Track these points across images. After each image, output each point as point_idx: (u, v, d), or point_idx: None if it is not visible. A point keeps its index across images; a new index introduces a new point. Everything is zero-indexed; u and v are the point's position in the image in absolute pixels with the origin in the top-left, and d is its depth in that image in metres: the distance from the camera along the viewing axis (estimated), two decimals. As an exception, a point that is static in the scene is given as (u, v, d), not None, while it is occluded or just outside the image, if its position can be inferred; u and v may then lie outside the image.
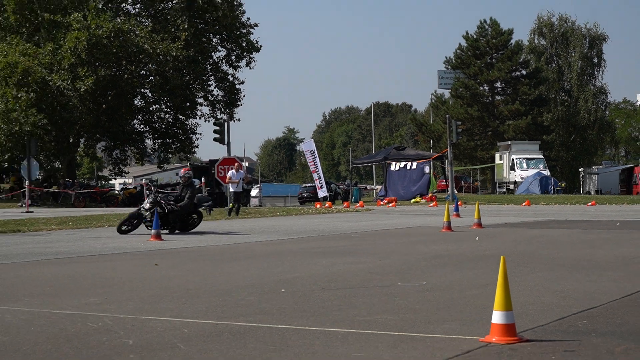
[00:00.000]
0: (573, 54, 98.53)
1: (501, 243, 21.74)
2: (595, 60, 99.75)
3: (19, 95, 49.36)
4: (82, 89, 51.23)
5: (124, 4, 61.06)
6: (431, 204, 48.60)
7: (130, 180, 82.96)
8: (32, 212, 40.24)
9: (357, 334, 9.18)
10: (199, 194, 28.94)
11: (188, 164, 71.77)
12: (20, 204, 46.47)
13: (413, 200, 54.23)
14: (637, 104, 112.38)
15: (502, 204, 49.71)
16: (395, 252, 19.36)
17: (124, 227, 25.25)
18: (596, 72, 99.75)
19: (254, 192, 59.91)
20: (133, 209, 44.54)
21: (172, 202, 25.85)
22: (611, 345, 8.58)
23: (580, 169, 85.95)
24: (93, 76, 51.56)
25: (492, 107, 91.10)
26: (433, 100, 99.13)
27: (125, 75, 56.38)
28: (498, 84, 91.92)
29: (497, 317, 8.67)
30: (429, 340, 8.83)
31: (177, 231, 25.94)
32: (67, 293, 12.60)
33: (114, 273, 15.60)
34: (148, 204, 24.86)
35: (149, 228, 24.10)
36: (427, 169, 58.61)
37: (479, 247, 20.35)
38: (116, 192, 59.48)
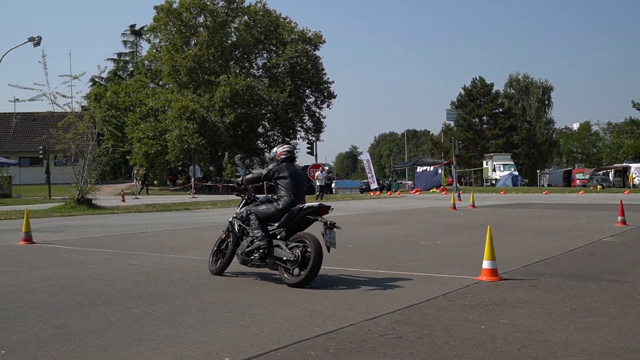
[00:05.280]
0: (532, 98, 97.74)
1: (487, 217, 21.39)
2: (546, 102, 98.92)
3: (187, 126, 49.95)
4: (227, 122, 51.76)
5: (251, 70, 61.52)
6: (443, 193, 48.16)
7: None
8: (195, 197, 40.73)
9: (396, 274, 9.12)
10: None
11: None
12: (188, 193, 47.02)
13: (431, 190, 53.92)
14: (574, 129, 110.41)
15: (488, 193, 48.97)
16: (420, 223, 19.21)
17: None
18: (547, 109, 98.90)
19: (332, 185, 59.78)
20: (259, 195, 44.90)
21: None
22: (559, 282, 8.40)
23: (537, 171, 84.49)
24: (233, 113, 52.14)
25: (481, 132, 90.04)
26: (443, 128, 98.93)
27: (253, 113, 56.88)
28: (484, 118, 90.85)
29: (486, 264, 8.59)
30: (442, 279, 8.75)
31: None
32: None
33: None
34: None
35: None
36: (439, 170, 58.49)
37: (473, 219, 20.09)
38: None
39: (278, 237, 8.47)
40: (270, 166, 8.98)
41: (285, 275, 8.20)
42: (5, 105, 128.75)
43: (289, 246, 8.26)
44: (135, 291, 7.90)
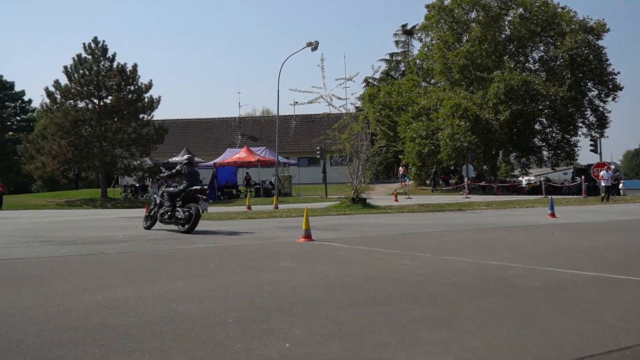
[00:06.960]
0: None
1: None
2: None
3: (460, 124, 49.84)
4: (501, 119, 50.77)
5: (527, 64, 59.70)
6: None
7: (532, 178, 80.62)
8: (469, 198, 40.43)
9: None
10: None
11: (572, 166, 68.82)
12: (461, 193, 46.86)
13: None
14: None
15: None
16: None
17: None
18: None
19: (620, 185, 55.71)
20: (533, 197, 43.31)
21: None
22: None
23: None
24: (508, 110, 51.03)
25: None
26: None
27: (529, 109, 55.01)
28: None
29: None
30: None
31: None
32: (490, 251, 12.40)
33: (521, 237, 15.16)
34: None
35: None
36: None
37: None
38: (523, 185, 58.23)
39: (177, 205, 16.38)
40: (179, 167, 17.17)
41: (179, 227, 16.20)
42: (286, 108, 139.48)
43: (182, 210, 16.16)
44: (410, 292, 7.94)
